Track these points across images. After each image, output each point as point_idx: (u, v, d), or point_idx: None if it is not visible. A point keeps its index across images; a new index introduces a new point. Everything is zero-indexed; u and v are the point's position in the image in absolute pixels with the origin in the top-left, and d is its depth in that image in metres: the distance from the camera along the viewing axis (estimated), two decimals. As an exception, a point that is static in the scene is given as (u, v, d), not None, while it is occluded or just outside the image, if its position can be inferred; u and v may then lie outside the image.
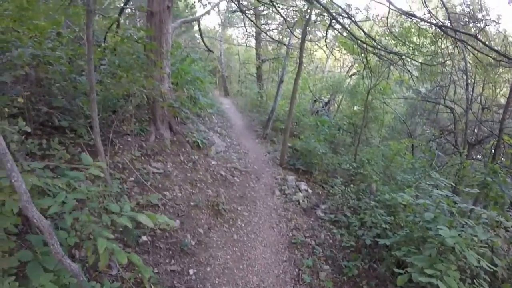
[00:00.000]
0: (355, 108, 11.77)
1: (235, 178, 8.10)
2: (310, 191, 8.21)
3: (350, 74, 16.45)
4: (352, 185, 7.70)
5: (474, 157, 10.12)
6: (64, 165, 4.44)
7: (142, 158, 6.65)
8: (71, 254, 4.02)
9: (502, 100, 11.49)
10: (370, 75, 9.07)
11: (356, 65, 15.33)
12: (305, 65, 15.70)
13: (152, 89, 6.33)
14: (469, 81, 9.99)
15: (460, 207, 4.34)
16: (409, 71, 9.16)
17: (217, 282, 4.83)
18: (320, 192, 8.49)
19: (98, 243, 2.34)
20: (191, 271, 4.77)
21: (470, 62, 9.99)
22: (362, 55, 8.45)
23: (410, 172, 8.02)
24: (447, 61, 9.27)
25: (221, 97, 17.67)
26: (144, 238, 4.81)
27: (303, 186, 8.24)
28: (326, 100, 15.94)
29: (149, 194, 5.64)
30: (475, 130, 10.21)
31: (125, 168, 6.04)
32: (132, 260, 2.55)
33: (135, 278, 4.05)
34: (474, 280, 3.68)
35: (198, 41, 19.63)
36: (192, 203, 6.15)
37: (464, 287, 3.43)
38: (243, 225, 6.40)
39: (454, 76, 11.12)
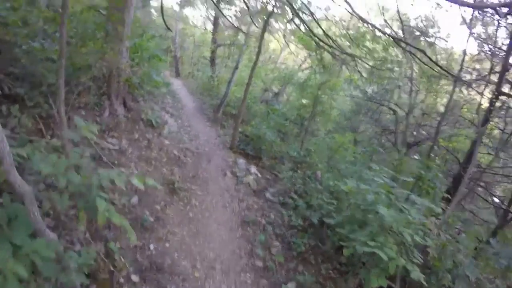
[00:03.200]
0: (303, 101, 12.41)
1: (188, 158, 8.20)
2: (259, 175, 8.65)
3: (302, 68, 17.11)
4: (298, 171, 8.29)
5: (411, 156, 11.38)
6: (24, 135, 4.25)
7: (97, 133, 6.44)
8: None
9: (442, 108, 13.07)
10: (322, 71, 9.70)
11: (309, 60, 16.06)
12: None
13: (111, 62, 6.15)
14: (414, 88, 11.18)
15: (396, 192, 5.06)
16: (359, 72, 9.98)
17: (176, 256, 5.01)
18: (269, 177, 8.97)
19: (98, 203, 2.44)
20: (151, 246, 4.89)
21: (416, 71, 11.15)
22: (318, 51, 9.03)
23: (352, 163, 8.90)
24: (395, 68, 10.30)
25: (172, 77, 17.24)
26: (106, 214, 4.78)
27: (253, 169, 8.65)
28: (276, 90, 16.47)
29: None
30: (414, 133, 11.43)
31: (81, 142, 5.84)
32: (122, 223, 2.70)
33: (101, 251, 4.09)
34: (409, 253, 4.41)
35: (154, 18, 18.79)
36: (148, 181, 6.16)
37: (401, 258, 4.09)
38: (197, 203, 6.59)
39: (400, 82, 12.33)
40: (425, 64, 8.49)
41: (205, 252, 5.37)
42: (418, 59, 8.45)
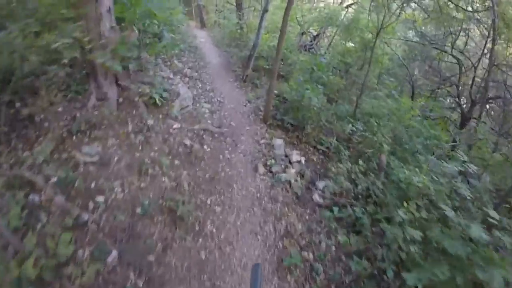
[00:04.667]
0: (349, 45, 9.52)
1: (205, 146, 6.11)
2: (303, 160, 6.36)
3: (345, 5, 13.60)
4: (360, 162, 5.82)
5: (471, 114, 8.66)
6: None
7: (74, 138, 4.59)
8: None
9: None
10: (377, 10, 6.68)
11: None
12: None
13: (81, 36, 4.07)
14: (482, 34, 8.20)
15: None
16: (424, 10, 7.05)
17: None
18: (315, 159, 6.69)
19: None
20: None
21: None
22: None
23: (416, 132, 6.44)
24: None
25: (197, 29, 14.88)
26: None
27: (295, 156, 6.34)
28: (315, 33, 13.38)
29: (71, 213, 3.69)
30: (480, 88, 8.57)
31: (46, 161, 4.04)
32: None
33: None
34: None
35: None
36: (138, 210, 4.23)
37: None
38: (214, 230, 4.62)
39: (469, 25, 9.52)
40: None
41: (222, 335, 3.51)
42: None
